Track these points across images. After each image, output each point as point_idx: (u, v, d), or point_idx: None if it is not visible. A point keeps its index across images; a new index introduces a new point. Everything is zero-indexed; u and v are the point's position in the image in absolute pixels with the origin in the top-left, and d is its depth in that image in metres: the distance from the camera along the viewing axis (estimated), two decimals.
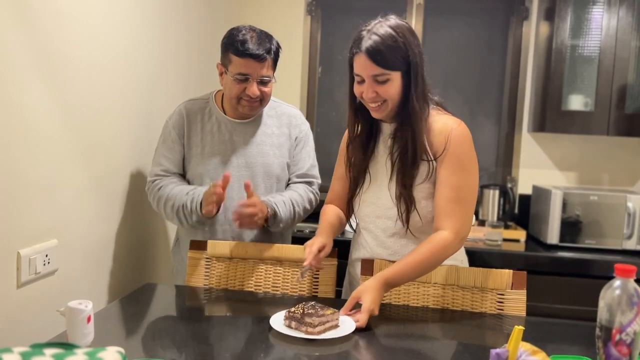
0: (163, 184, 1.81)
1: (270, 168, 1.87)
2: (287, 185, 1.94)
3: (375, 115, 1.53)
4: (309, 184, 1.93)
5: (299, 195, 1.86)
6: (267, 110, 1.90)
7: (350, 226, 1.74)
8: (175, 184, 1.81)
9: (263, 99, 1.80)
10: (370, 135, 1.62)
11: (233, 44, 1.72)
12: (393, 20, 1.47)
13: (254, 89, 1.74)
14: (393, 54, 1.43)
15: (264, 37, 1.76)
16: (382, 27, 1.45)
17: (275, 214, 1.75)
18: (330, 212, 1.70)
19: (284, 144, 1.90)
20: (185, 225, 1.82)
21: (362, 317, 1.35)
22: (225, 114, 1.87)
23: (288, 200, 1.81)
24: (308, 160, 1.93)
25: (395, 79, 1.46)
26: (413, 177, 1.52)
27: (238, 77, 1.74)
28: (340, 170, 1.70)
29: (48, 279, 1.51)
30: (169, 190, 1.79)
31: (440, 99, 1.59)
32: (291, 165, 1.92)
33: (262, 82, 1.77)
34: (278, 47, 1.80)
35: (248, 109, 1.80)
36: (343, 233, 2.77)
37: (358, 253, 1.68)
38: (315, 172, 1.95)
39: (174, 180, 1.83)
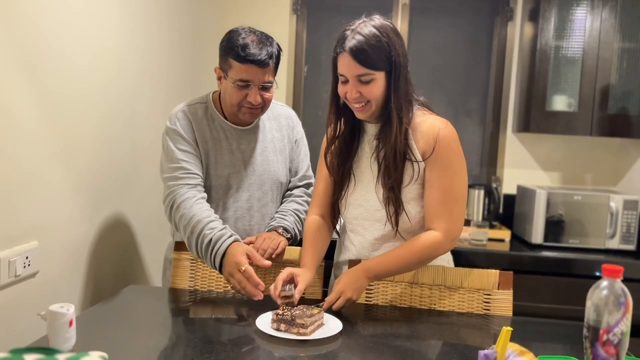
0: (185, 196, 1.65)
1: (277, 175, 1.84)
2: (287, 189, 1.92)
3: (359, 115, 1.52)
4: (307, 186, 1.93)
5: (299, 204, 1.87)
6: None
7: (336, 231, 1.73)
8: (196, 199, 1.65)
9: (264, 106, 1.73)
10: (354, 136, 1.61)
11: (233, 49, 1.64)
12: (377, 20, 1.46)
13: (256, 97, 1.67)
14: (377, 53, 1.42)
15: (265, 40, 1.67)
16: (366, 26, 1.44)
17: (290, 237, 1.79)
18: (314, 234, 1.64)
19: (285, 147, 1.88)
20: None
21: (330, 297, 1.42)
22: (226, 119, 1.79)
23: (290, 214, 1.82)
24: (306, 161, 1.94)
25: (379, 79, 1.45)
26: (400, 179, 1.51)
27: (239, 84, 1.66)
28: (324, 170, 1.67)
29: (28, 282, 1.48)
30: (188, 206, 1.63)
31: (425, 99, 1.58)
32: (292, 168, 1.91)
33: (264, 88, 1.69)
34: (279, 50, 1.71)
35: (249, 117, 1.74)
36: None
37: (344, 255, 1.67)
38: (311, 172, 1.95)
39: (195, 192, 1.67)
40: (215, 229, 1.60)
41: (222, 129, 1.77)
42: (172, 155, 1.70)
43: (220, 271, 1.58)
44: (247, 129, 1.81)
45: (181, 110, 1.76)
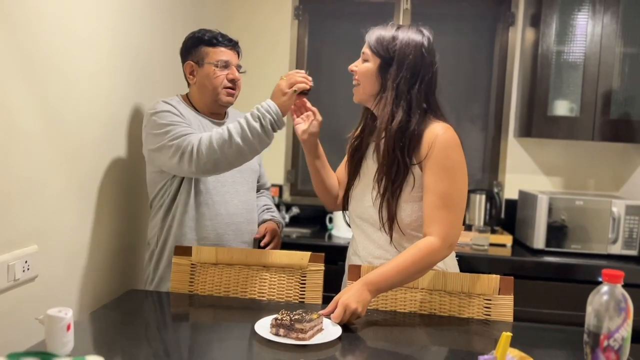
0: (199, 135, 1.64)
1: (252, 165, 1.94)
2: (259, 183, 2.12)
3: (354, 97, 1.60)
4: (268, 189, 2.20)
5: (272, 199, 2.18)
6: (230, 110, 1.99)
7: (347, 224, 1.74)
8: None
9: (239, 87, 1.88)
10: (364, 133, 1.66)
11: (204, 39, 1.81)
12: (415, 29, 1.56)
13: (236, 73, 1.84)
14: (380, 40, 1.52)
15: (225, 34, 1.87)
16: (396, 25, 1.56)
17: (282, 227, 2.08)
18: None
19: None
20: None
21: (336, 311, 1.38)
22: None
23: (275, 210, 2.10)
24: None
25: (372, 62, 1.53)
26: (395, 186, 1.51)
27: (221, 64, 1.80)
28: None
29: (27, 286, 1.48)
30: (212, 133, 1.62)
31: (442, 114, 1.57)
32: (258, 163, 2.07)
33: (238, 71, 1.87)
34: None
35: (229, 98, 1.85)
36: (330, 237, 2.77)
37: (353, 261, 1.68)
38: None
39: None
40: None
41: (199, 121, 1.84)
42: (167, 126, 1.67)
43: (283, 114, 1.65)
44: (221, 122, 1.90)
45: (162, 101, 1.79)
